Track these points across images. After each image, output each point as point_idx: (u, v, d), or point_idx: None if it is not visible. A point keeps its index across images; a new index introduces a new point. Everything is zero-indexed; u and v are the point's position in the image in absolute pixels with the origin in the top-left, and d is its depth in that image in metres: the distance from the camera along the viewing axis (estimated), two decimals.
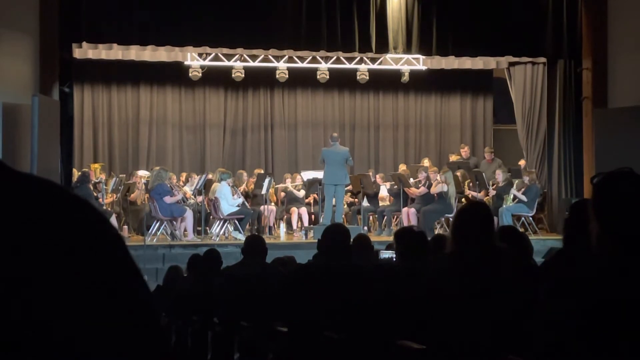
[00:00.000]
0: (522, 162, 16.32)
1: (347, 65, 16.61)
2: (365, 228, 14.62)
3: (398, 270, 4.78)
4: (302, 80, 17.46)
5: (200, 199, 14.42)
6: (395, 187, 15.01)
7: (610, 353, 2.10)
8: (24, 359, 0.73)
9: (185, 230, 13.76)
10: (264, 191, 14.53)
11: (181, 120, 17.98)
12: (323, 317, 4.55)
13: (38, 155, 11.41)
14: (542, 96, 15.52)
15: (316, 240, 5.55)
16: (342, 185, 14.04)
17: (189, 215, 13.67)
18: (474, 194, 14.83)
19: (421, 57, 15.99)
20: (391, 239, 5.98)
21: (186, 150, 18.07)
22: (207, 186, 14.53)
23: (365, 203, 15.34)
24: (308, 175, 15.81)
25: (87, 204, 0.80)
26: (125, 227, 14.74)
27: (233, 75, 16.36)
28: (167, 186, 13.61)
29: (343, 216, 14.46)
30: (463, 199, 14.64)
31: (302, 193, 15.49)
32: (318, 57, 16.23)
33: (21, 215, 0.76)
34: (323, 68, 16.56)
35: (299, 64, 16.44)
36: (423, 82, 17.93)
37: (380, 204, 15.43)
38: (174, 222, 13.68)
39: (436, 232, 13.42)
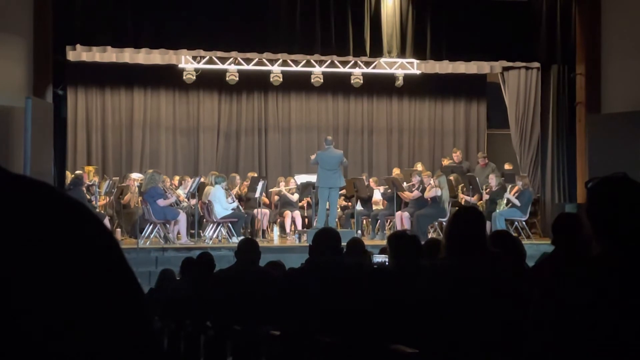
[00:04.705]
0: (508, 166, 16.37)
1: (341, 69, 16.63)
2: (359, 232, 14.61)
3: (391, 274, 4.78)
4: (296, 83, 17.45)
5: (193, 202, 14.40)
6: (389, 191, 15.02)
7: (602, 353, 2.10)
8: None
9: (178, 233, 13.73)
10: (257, 194, 14.51)
11: (175, 123, 17.96)
12: (316, 321, 4.54)
13: (31, 157, 11.39)
14: (536, 101, 15.55)
15: (309, 244, 5.54)
16: (336, 189, 14.04)
17: (182, 218, 13.65)
18: (468, 198, 14.85)
19: (415, 61, 16.01)
20: (384, 243, 5.98)
21: (180, 153, 18.04)
22: (200, 189, 14.51)
23: (358, 207, 15.33)
24: (302, 178, 15.81)
25: (81, 205, 0.80)
26: (118, 230, 14.73)
27: (227, 79, 16.37)
28: (160, 189, 13.59)
29: (336, 220, 14.45)
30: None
31: (295, 196, 15.48)
32: (312, 61, 16.24)
33: (13, 216, 0.75)
34: (317, 72, 16.58)
35: (293, 68, 16.45)
36: (417, 87, 17.94)
37: (374, 208, 15.42)
38: (167, 225, 13.66)
39: (430, 236, 13.41)
